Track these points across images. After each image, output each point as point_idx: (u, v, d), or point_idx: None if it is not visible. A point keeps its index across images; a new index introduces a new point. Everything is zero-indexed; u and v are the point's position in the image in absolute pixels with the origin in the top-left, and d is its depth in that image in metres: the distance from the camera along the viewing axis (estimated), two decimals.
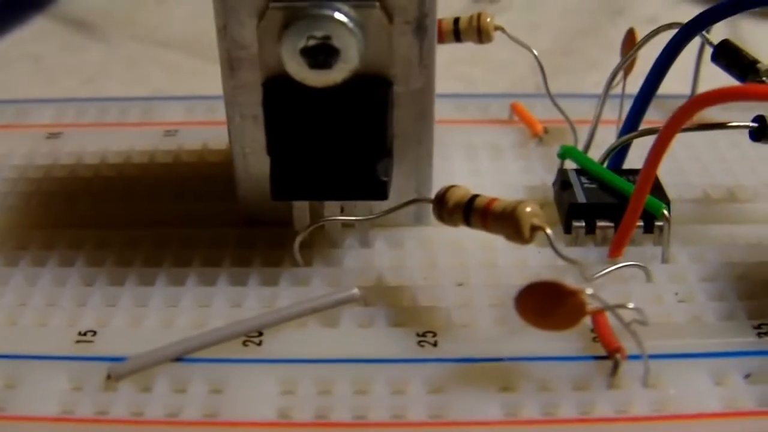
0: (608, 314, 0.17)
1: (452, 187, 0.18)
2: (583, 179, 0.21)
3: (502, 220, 0.17)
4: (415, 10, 0.18)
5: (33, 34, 0.33)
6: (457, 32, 0.22)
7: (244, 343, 0.18)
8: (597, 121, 0.22)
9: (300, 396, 0.17)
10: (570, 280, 0.16)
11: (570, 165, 0.22)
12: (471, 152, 0.24)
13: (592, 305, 0.16)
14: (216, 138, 0.24)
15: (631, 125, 0.21)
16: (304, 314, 0.18)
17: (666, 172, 0.21)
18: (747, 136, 0.21)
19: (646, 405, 0.17)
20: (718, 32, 0.21)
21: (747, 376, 0.17)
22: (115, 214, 0.22)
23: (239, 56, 0.18)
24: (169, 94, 0.28)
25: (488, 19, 0.22)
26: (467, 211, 0.18)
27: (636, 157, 0.21)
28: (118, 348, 0.18)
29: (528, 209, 0.17)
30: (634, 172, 0.21)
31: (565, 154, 0.21)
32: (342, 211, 0.20)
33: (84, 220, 0.21)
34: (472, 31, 0.22)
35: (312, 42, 0.17)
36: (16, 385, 0.17)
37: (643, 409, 0.17)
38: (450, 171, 0.22)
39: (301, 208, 0.20)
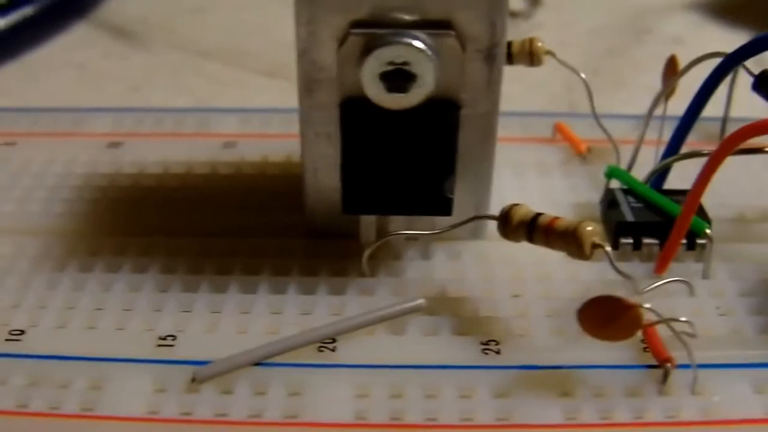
0: (658, 326, 0.19)
1: (515, 205, 0.19)
2: (630, 198, 0.22)
3: (565, 238, 0.18)
4: (487, 39, 0.19)
5: (75, 41, 0.34)
6: (509, 55, 0.23)
7: (319, 349, 0.19)
8: (640, 142, 0.23)
9: (374, 399, 0.18)
10: (618, 293, 0.18)
11: (614, 184, 0.23)
12: (519, 169, 0.25)
13: (647, 318, 0.18)
14: (275, 151, 0.25)
15: (673, 149, 0.22)
16: (373, 322, 0.19)
17: (705, 193, 0.22)
18: None
19: (694, 411, 0.18)
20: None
21: None
22: (183, 223, 0.22)
23: (317, 78, 0.19)
24: (215, 105, 0.29)
25: (539, 44, 0.23)
26: (530, 228, 0.19)
27: (673, 178, 0.23)
28: (198, 352, 0.19)
29: (589, 228, 0.18)
30: (674, 192, 0.22)
31: (611, 174, 0.22)
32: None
33: (152, 228, 0.22)
34: (524, 54, 0.23)
35: (391, 67, 0.18)
36: (102, 386, 0.18)
37: (690, 414, 0.18)
38: (500, 188, 0.23)
39: (368, 222, 0.21)
